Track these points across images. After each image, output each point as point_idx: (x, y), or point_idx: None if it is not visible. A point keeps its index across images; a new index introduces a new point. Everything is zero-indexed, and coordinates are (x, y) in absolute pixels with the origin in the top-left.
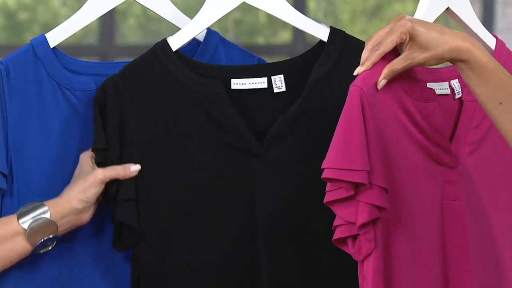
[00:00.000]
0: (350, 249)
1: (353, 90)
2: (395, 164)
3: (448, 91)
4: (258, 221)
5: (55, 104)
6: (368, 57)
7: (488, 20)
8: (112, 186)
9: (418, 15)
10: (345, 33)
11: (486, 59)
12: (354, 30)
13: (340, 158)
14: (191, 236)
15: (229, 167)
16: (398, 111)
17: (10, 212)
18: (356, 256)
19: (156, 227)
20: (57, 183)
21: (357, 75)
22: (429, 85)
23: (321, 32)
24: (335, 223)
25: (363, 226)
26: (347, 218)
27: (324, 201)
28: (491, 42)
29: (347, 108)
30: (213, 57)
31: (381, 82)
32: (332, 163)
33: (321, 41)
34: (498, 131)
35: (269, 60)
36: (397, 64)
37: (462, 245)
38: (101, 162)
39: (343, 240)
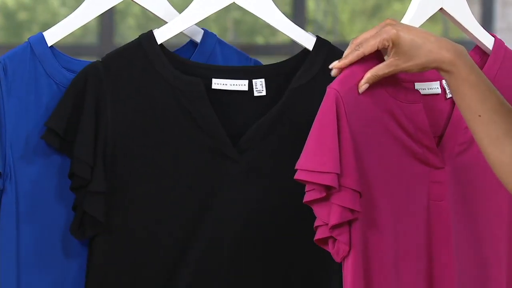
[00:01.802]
0: (330, 249)
1: (329, 92)
2: (379, 166)
3: (439, 91)
4: (226, 225)
5: (53, 103)
6: (347, 55)
7: (487, 20)
8: (85, 172)
9: (408, 15)
10: (331, 44)
11: (468, 72)
12: (354, 30)
13: (311, 160)
14: (154, 236)
15: (202, 168)
16: (382, 114)
17: (8, 211)
18: (335, 257)
19: (120, 222)
20: (55, 181)
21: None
22: (417, 85)
23: (307, 41)
24: (316, 223)
25: (335, 227)
26: (323, 219)
27: (303, 201)
28: (488, 41)
29: (322, 110)
30: (210, 59)
31: (363, 86)
32: (303, 164)
33: (306, 49)
34: None
35: (268, 60)
36: (380, 70)
37: (447, 245)
38: (54, 144)
39: (325, 241)
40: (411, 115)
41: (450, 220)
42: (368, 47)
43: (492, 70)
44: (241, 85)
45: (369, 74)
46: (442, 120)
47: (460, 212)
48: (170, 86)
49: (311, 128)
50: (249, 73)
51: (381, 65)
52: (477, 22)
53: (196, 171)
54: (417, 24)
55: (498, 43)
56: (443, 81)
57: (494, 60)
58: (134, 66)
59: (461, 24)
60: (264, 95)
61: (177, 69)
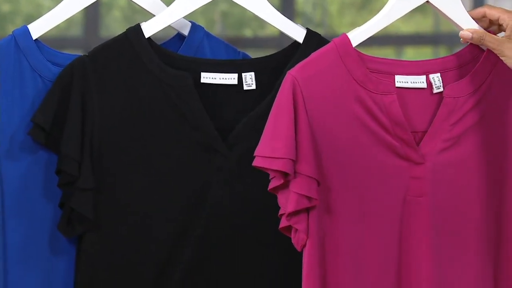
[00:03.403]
0: (292, 238)
1: (287, 78)
2: (346, 156)
3: (425, 85)
4: (216, 219)
5: (38, 97)
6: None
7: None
8: (73, 169)
9: (389, 5)
10: (321, 36)
11: None
12: (343, 22)
13: (266, 146)
14: (144, 232)
15: (191, 163)
16: (352, 102)
17: None
18: (296, 246)
19: (109, 219)
20: (41, 177)
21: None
22: (399, 77)
23: (297, 33)
24: (280, 211)
25: (292, 215)
26: (283, 207)
27: (268, 189)
28: None
29: (279, 96)
30: (197, 52)
31: (465, 34)
32: (259, 151)
33: (296, 42)
34: (482, 131)
35: (256, 53)
36: (488, 38)
37: (422, 241)
38: (39, 139)
39: (289, 230)
40: (384, 107)
41: (429, 216)
42: (493, 10)
43: (487, 66)
44: (230, 78)
45: (475, 35)
46: (428, 115)
47: (441, 209)
48: (158, 80)
49: (269, 115)
50: (238, 67)
51: (491, 36)
52: (469, 16)
53: (185, 166)
54: (398, 15)
55: None
56: (431, 76)
57: (488, 54)
58: (121, 60)
59: (449, 18)
60: (254, 89)
61: (165, 63)
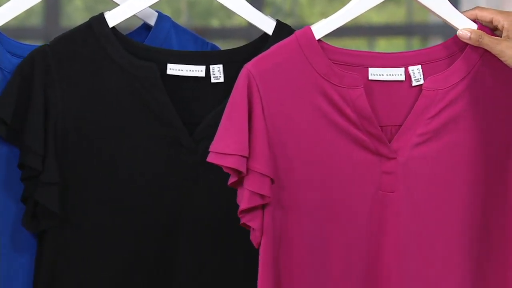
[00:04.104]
0: (250, 235)
1: (242, 72)
2: (309, 152)
3: (403, 78)
4: (182, 214)
5: None
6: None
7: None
8: (36, 162)
9: None
10: (291, 28)
11: None
12: (314, 13)
13: (219, 142)
14: (109, 226)
15: (157, 157)
16: (315, 96)
17: None
18: (253, 243)
19: (74, 214)
20: (3, 171)
21: None
22: (373, 70)
23: (266, 24)
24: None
25: (246, 213)
26: (239, 203)
27: (228, 184)
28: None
29: (233, 91)
30: (164, 43)
31: (463, 34)
32: (213, 146)
33: (265, 34)
34: (462, 125)
35: (224, 44)
36: (485, 38)
37: (392, 238)
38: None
39: (248, 226)
40: (351, 101)
41: (400, 213)
42: (484, 12)
43: (472, 58)
44: (197, 71)
45: (473, 35)
46: (404, 109)
47: (415, 206)
48: (123, 72)
49: (224, 110)
50: (206, 58)
51: (489, 37)
52: (454, 9)
53: (151, 160)
54: (366, 7)
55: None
56: (410, 68)
57: (472, 48)
58: (84, 51)
59: (432, 11)
60: (222, 82)
61: (131, 53)
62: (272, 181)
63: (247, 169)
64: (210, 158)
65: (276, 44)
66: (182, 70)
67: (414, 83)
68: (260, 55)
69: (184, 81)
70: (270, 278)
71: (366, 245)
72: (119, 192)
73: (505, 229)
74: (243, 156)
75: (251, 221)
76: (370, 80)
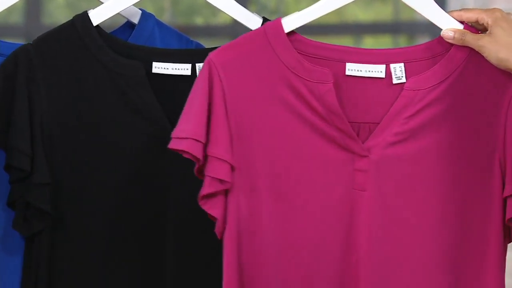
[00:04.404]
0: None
1: (205, 61)
2: (276, 144)
3: (383, 75)
4: (169, 215)
5: None
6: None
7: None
8: (24, 163)
9: None
10: None
11: None
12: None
13: (177, 127)
14: (96, 227)
15: (143, 155)
16: (282, 89)
17: None
18: (217, 232)
19: (64, 213)
20: None
21: None
22: (350, 65)
23: (252, 22)
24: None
25: (205, 199)
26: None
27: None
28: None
29: (196, 80)
30: (148, 41)
31: (446, 34)
32: (173, 133)
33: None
34: (440, 128)
35: (208, 42)
36: (468, 36)
37: (362, 237)
38: None
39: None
40: (320, 96)
41: (371, 211)
42: (469, 12)
43: (456, 59)
44: (183, 69)
45: (457, 34)
46: (384, 107)
47: (387, 205)
48: (108, 70)
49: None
50: (191, 57)
51: (472, 34)
52: (440, 9)
53: (137, 159)
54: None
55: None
56: (392, 66)
57: (457, 48)
58: (68, 49)
59: (415, 10)
60: None
61: (115, 52)
62: (233, 167)
63: (207, 156)
64: (170, 144)
65: (243, 35)
66: (167, 68)
67: (395, 81)
68: (225, 45)
69: (170, 79)
70: (234, 272)
71: (336, 243)
72: (105, 190)
73: (484, 235)
74: (198, 141)
75: (212, 209)
76: (347, 75)
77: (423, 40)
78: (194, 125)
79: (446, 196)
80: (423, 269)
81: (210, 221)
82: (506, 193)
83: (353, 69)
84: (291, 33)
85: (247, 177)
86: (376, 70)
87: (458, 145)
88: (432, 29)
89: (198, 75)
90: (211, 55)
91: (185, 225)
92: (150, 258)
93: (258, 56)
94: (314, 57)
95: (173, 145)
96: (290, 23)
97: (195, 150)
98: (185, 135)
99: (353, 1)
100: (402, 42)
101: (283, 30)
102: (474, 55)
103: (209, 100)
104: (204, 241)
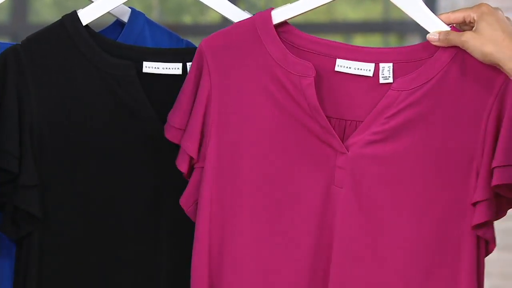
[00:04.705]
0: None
1: (198, 47)
2: (258, 134)
3: (370, 74)
4: (161, 214)
5: None
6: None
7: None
8: (13, 165)
9: None
10: None
11: None
12: None
13: (169, 113)
14: (86, 228)
15: (135, 156)
16: (268, 80)
17: None
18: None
19: (54, 215)
20: None
21: None
22: (340, 61)
23: None
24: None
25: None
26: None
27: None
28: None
29: (191, 66)
30: (138, 40)
31: (431, 37)
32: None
33: None
34: (421, 129)
35: (197, 41)
36: (453, 35)
37: (338, 234)
38: None
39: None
40: (302, 89)
41: (346, 209)
42: (456, 13)
43: (440, 61)
44: (174, 68)
45: (441, 36)
46: (369, 105)
47: (360, 203)
48: (99, 70)
49: None
50: (182, 56)
51: (455, 32)
52: (426, 9)
53: (129, 159)
54: None
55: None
56: (381, 65)
57: (444, 49)
58: (58, 49)
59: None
60: None
61: (105, 51)
62: (191, 159)
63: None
64: (165, 132)
65: (234, 23)
66: (158, 68)
67: (381, 81)
68: (216, 32)
69: (161, 79)
70: (205, 260)
71: (309, 240)
72: (95, 190)
73: (458, 238)
74: (179, 129)
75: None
76: (336, 71)
77: (413, 39)
78: (178, 113)
79: (421, 197)
80: (396, 268)
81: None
82: (475, 199)
83: (342, 65)
84: (284, 24)
85: (231, 163)
86: (365, 69)
87: (436, 147)
88: (422, 28)
89: (193, 60)
90: (203, 41)
91: (179, 225)
92: (143, 260)
93: (247, 45)
94: (305, 51)
95: (165, 133)
96: (279, 14)
97: (172, 137)
98: (172, 122)
99: None
100: (392, 41)
101: (271, 21)
102: (458, 58)
103: (196, 87)
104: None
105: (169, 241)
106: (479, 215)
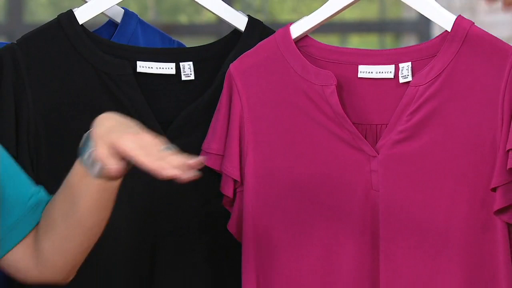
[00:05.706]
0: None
1: (227, 72)
2: (294, 148)
3: (392, 75)
4: (159, 217)
5: None
6: None
7: None
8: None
9: None
10: (263, 24)
11: None
12: (284, 8)
13: (205, 140)
14: None
15: None
16: (295, 94)
17: None
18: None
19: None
20: None
21: None
22: (362, 67)
23: (238, 20)
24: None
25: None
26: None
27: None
28: (446, 22)
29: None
30: (130, 40)
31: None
32: (203, 145)
33: (236, 30)
34: (441, 121)
35: (192, 41)
36: None
37: (372, 238)
38: None
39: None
40: (326, 98)
41: (381, 211)
42: None
43: (449, 52)
44: (167, 68)
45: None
46: (393, 107)
47: (396, 204)
48: (95, 69)
49: None
50: (175, 56)
51: None
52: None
53: None
54: (342, 4)
55: (458, 23)
56: (401, 65)
57: (452, 39)
58: (54, 48)
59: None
60: (193, 79)
61: (101, 50)
62: (236, 182)
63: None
64: (205, 161)
65: (258, 44)
66: (152, 67)
67: (401, 80)
68: (244, 54)
69: (155, 78)
70: (252, 271)
71: (356, 245)
72: None
73: (496, 224)
74: (219, 155)
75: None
76: (360, 77)
77: (409, 38)
78: (216, 140)
79: (454, 188)
80: (439, 264)
81: (203, 216)
82: (493, 184)
83: (364, 71)
84: (305, 38)
85: (268, 182)
86: (386, 71)
87: (460, 136)
88: (418, 27)
89: (224, 85)
90: (231, 66)
91: (178, 224)
92: (138, 264)
93: (271, 63)
94: (327, 61)
95: (205, 161)
96: (298, 28)
97: (217, 166)
98: (210, 150)
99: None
100: (388, 40)
101: (291, 36)
102: (466, 48)
103: (229, 110)
104: (198, 242)
105: (170, 240)
106: (500, 200)
